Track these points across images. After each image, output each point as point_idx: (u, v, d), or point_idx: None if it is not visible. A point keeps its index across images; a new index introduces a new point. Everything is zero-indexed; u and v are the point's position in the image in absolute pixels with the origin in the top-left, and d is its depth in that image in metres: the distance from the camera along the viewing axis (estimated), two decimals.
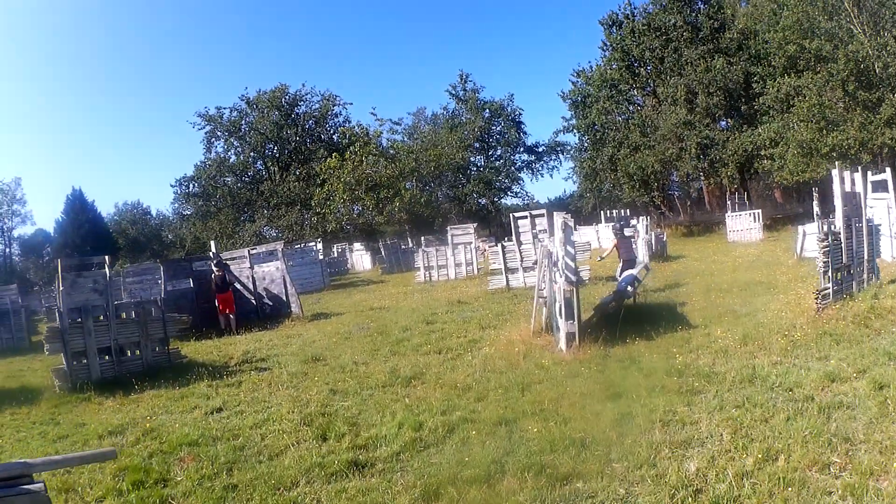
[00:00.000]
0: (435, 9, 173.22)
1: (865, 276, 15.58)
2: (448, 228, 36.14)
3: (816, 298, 13.57)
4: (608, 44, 67.12)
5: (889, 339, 10.92)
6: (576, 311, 12.42)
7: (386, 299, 27.25)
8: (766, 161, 51.98)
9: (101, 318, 14.55)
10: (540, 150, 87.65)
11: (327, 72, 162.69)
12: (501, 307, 20.46)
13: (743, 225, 44.26)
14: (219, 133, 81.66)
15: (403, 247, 51.52)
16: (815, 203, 35.87)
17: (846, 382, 8.85)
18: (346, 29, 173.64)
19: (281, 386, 12.10)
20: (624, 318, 14.32)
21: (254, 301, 23.50)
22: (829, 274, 14.02)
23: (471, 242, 34.69)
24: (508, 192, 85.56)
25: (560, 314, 12.50)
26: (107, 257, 15.37)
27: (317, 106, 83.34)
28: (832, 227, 14.78)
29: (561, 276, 12.84)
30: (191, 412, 10.96)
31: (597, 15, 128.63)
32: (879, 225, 19.37)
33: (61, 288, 14.35)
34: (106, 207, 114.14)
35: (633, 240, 24.65)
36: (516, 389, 10.22)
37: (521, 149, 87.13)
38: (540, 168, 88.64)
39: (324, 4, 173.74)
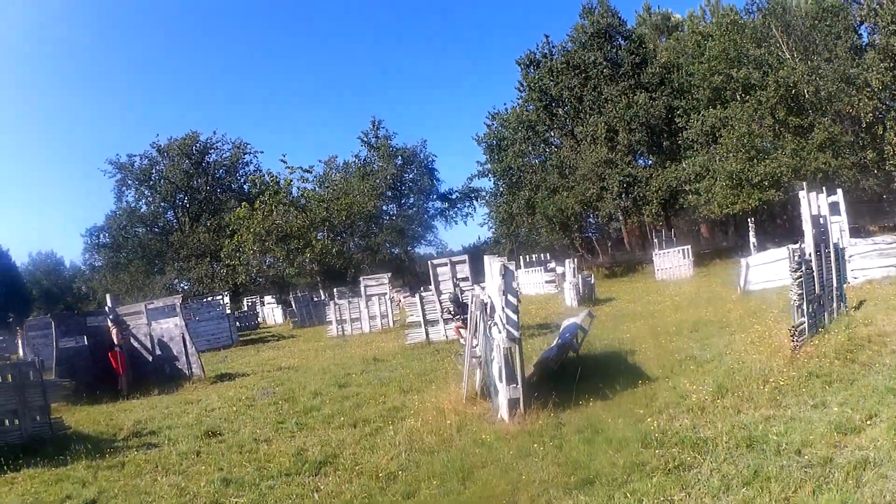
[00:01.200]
0: (345, 55, 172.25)
1: (835, 304, 14.93)
2: (361, 279, 35.05)
3: (792, 335, 12.48)
4: (525, 84, 66.43)
5: (885, 373, 10.21)
6: (519, 371, 10.94)
7: (295, 357, 25.78)
8: (691, 196, 51.90)
9: None
10: (453, 196, 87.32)
11: (238, 118, 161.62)
12: (423, 365, 19.01)
13: (672, 262, 44.06)
14: (129, 182, 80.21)
15: (315, 299, 50.14)
16: (751, 233, 36.22)
17: (860, 433, 7.86)
18: (256, 74, 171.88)
19: (168, 470, 10.48)
20: (569, 374, 12.93)
21: (151, 361, 21.59)
22: (804, 307, 13.17)
23: (385, 293, 33.69)
24: (422, 241, 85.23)
25: (500, 376, 10.97)
26: None
27: (227, 154, 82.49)
28: (803, 254, 13.97)
29: (500, 331, 11.15)
30: None
31: (512, 56, 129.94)
32: (845, 248, 18.82)
33: None
34: (20, 257, 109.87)
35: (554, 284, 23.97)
36: (455, 478, 8.49)
37: (434, 196, 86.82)
38: (454, 215, 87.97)
39: (235, 50, 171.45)
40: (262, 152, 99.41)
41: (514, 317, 10.97)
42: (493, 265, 11.84)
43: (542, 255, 57.81)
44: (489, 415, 11.43)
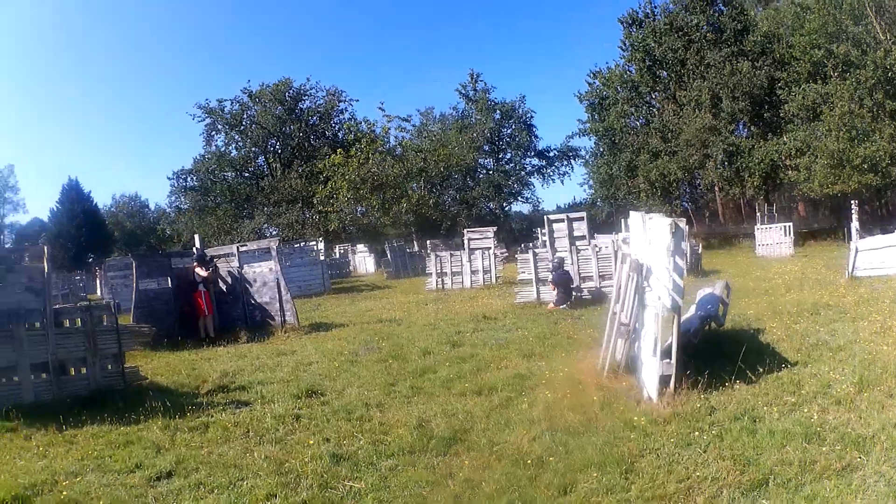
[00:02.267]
0: (446, 7, 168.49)
1: None
2: (465, 232, 33.18)
3: None
4: (628, 44, 64.47)
5: None
6: (675, 345, 9.15)
7: (395, 309, 23.77)
8: (791, 172, 50.53)
9: (38, 325, 11.08)
10: (551, 154, 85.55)
11: (333, 67, 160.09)
12: (539, 327, 16.88)
13: (773, 238, 42.18)
14: (219, 126, 78.37)
15: (409, 250, 48.24)
16: (854, 217, 34.10)
17: None
18: (353, 24, 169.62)
19: (262, 438, 8.51)
20: (705, 351, 11.29)
21: (241, 305, 19.79)
22: None
23: (489, 248, 31.66)
24: (519, 197, 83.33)
25: (654, 349, 9.21)
26: (45, 246, 11.73)
27: (321, 102, 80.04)
28: None
29: (662, 299, 9.31)
30: (130, 474, 7.49)
31: (610, 14, 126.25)
32: None
33: None
34: (103, 199, 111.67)
35: None
36: (616, 471, 6.79)
37: (532, 153, 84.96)
38: (551, 173, 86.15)
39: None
40: (357, 100, 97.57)
41: (681, 282, 9.14)
42: (654, 222, 10.18)
43: None
44: (631, 390, 9.80)
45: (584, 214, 23.87)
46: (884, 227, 32.50)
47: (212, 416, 9.66)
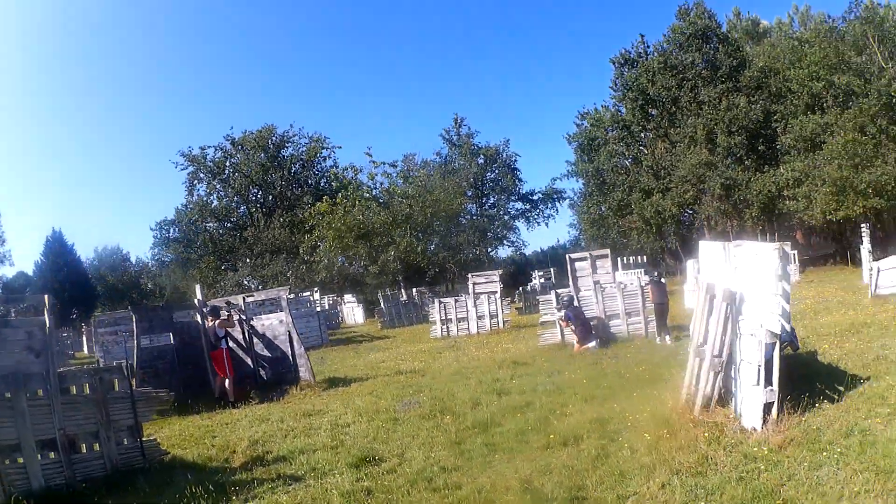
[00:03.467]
0: (430, 50, 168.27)
1: None
2: (470, 276, 31.77)
3: None
4: (619, 83, 64.79)
5: None
6: (777, 372, 9.02)
7: (410, 360, 22.14)
8: (789, 201, 51.17)
9: (40, 392, 9.39)
10: (535, 197, 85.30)
11: (316, 112, 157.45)
12: (583, 369, 15.71)
13: None
14: (201, 175, 77.48)
15: (403, 300, 46.74)
16: (865, 239, 34.28)
17: None
18: (337, 69, 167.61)
19: None
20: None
21: (250, 362, 17.85)
22: None
23: (496, 292, 30.21)
24: (504, 242, 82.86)
25: (758, 378, 9.05)
26: (45, 297, 10.06)
27: (304, 148, 79.52)
28: None
29: (767, 326, 9.05)
30: None
31: (596, 55, 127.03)
32: None
33: None
34: (85, 251, 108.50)
35: (665, 285, 22.26)
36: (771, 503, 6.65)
37: (516, 196, 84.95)
38: (536, 216, 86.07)
39: (314, 43, 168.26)
40: (339, 147, 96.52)
41: (788, 307, 9.07)
42: (748, 249, 10.42)
43: (634, 257, 54.11)
44: (730, 423, 9.43)
45: (608, 252, 22.97)
46: (884, 249, 34.76)
47: (263, 499, 8.07)
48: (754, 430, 8.88)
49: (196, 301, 17.89)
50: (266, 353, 17.66)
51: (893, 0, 55.07)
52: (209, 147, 76.73)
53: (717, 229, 59.99)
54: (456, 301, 30.76)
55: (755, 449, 8.11)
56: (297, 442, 10.88)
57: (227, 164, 78.03)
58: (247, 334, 17.76)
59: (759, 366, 9.10)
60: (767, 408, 8.97)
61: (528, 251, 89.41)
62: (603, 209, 65.90)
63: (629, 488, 7.41)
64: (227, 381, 16.19)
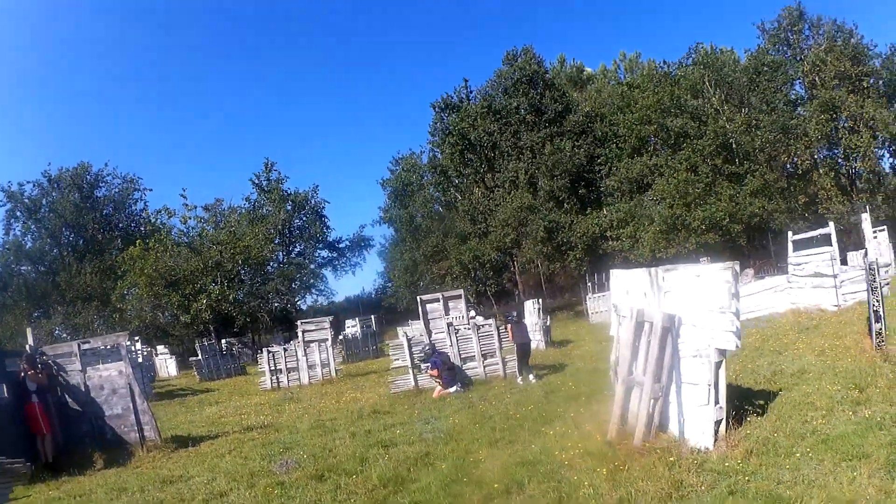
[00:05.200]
0: (237, 94, 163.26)
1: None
2: (299, 323, 30.44)
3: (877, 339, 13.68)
4: (438, 128, 64.93)
5: None
6: (724, 389, 9.51)
7: (251, 414, 20.42)
8: (612, 242, 52.83)
9: None
10: (342, 245, 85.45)
11: (128, 153, 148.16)
12: (460, 414, 15.15)
13: (606, 305, 42.15)
14: (18, 213, 72.42)
15: (222, 351, 44.80)
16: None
17: None
18: (150, 107, 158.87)
19: None
20: None
21: (88, 419, 15.35)
22: (881, 313, 13.92)
23: (326, 339, 29.10)
24: (312, 290, 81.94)
25: (708, 398, 9.43)
26: None
27: (117, 189, 76.49)
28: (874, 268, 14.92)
29: (716, 344, 9.47)
30: None
31: (405, 106, 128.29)
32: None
33: None
34: None
35: (526, 326, 22.85)
36: None
37: (322, 244, 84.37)
38: (343, 264, 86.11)
39: (122, 83, 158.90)
40: (150, 190, 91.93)
41: (739, 324, 9.52)
42: (683, 272, 10.40)
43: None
44: (676, 447, 9.42)
45: (461, 292, 22.72)
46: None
47: None
48: (707, 449, 9.13)
49: (28, 347, 15.80)
50: (106, 409, 15.60)
51: (730, 46, 59.40)
52: (27, 182, 72.68)
53: (535, 272, 61.29)
54: (285, 350, 29.50)
55: (725, 464, 8.24)
56: None
57: (44, 202, 73.83)
58: (82, 389, 15.65)
59: (709, 385, 9.39)
60: (716, 425, 9.31)
61: (337, 299, 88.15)
62: (416, 255, 65.61)
63: None
64: (43, 438, 14.23)
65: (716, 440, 9.28)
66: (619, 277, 11.95)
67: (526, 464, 9.63)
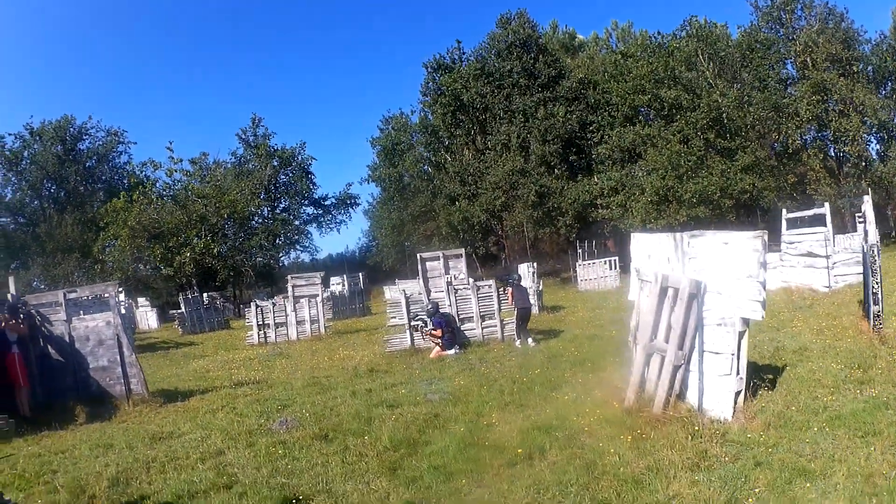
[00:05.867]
0: (227, 49, 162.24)
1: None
2: (289, 277, 30.06)
3: (874, 321, 13.54)
4: (431, 88, 63.99)
5: None
6: (745, 359, 9.32)
7: (240, 369, 19.85)
8: (602, 210, 53.08)
9: None
10: (328, 203, 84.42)
11: (114, 107, 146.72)
12: (462, 376, 14.66)
13: (597, 273, 43.95)
14: None
15: (205, 304, 43.96)
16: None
17: None
18: (135, 62, 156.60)
19: None
20: None
21: (72, 371, 14.67)
22: (879, 295, 13.70)
23: (317, 295, 28.55)
24: (297, 246, 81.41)
25: (731, 367, 9.17)
26: None
27: (101, 142, 75.38)
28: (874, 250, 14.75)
29: (742, 312, 9.18)
30: None
31: (404, 60, 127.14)
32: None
33: None
34: None
35: (527, 290, 21.84)
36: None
37: (307, 201, 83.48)
38: (328, 222, 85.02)
39: (110, 36, 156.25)
40: (135, 143, 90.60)
41: (765, 294, 9.18)
42: (711, 238, 9.96)
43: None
44: (695, 416, 9.17)
45: (462, 251, 22.08)
46: None
47: None
48: (726, 419, 8.95)
49: (9, 296, 15.00)
50: (91, 361, 14.86)
51: (724, 20, 59.45)
52: (8, 135, 71.58)
53: (521, 237, 60.73)
54: (274, 305, 29.10)
55: (747, 436, 8.16)
56: (173, 480, 8.38)
57: (25, 154, 72.83)
58: (66, 339, 14.89)
59: (732, 354, 9.16)
60: (736, 396, 9.14)
61: (320, 257, 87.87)
62: (404, 215, 65.59)
63: (658, 495, 6.75)
64: (20, 392, 13.52)
65: (734, 411, 9.15)
66: (641, 241, 11.52)
67: (542, 429, 9.31)
